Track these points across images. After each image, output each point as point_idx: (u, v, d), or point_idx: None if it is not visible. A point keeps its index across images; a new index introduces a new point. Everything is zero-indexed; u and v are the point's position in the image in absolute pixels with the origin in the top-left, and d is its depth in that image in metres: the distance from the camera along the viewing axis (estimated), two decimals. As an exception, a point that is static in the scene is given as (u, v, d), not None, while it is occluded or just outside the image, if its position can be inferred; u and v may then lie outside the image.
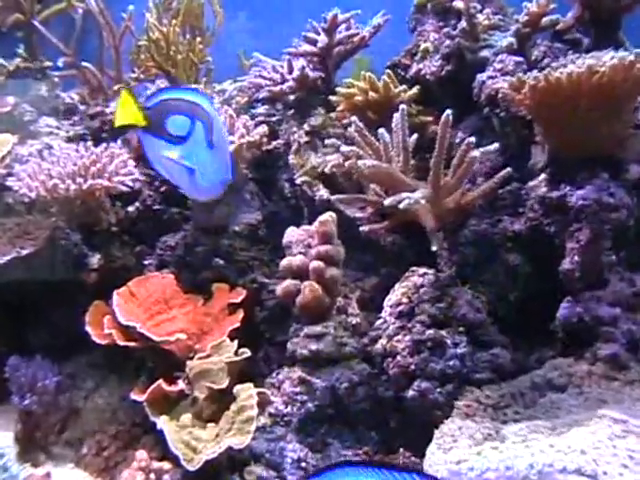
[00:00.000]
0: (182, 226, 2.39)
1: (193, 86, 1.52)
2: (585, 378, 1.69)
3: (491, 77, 1.94)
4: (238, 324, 2.10)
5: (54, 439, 2.17)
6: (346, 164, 1.75)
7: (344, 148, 1.75)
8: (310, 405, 1.90)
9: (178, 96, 1.59)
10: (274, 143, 2.32)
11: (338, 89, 2.20)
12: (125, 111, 1.59)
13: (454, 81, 2.08)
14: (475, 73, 2.03)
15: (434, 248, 1.76)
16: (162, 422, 1.86)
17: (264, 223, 2.30)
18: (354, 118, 1.80)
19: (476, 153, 1.65)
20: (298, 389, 1.92)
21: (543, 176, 1.79)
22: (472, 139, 1.69)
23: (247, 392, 1.85)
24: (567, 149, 1.69)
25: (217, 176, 1.55)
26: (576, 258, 1.70)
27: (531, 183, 1.82)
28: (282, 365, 2.14)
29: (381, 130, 1.73)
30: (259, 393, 1.85)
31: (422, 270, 1.98)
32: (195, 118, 1.54)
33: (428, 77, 2.16)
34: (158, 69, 2.56)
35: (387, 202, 1.67)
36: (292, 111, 2.36)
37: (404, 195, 1.64)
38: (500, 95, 1.85)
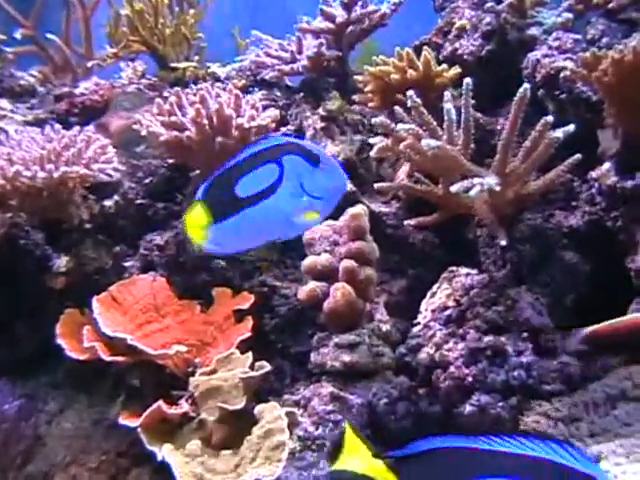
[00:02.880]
0: (171, 223, 2.16)
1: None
2: (665, 388, 1.58)
3: (547, 55, 1.82)
4: (249, 334, 1.89)
5: (15, 474, 1.89)
6: (401, 145, 1.59)
7: (401, 126, 1.58)
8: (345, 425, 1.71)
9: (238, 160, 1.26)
10: (283, 129, 2.13)
11: (366, 67, 2.03)
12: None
13: (495, 62, 1.95)
14: (519, 53, 1.91)
15: (503, 242, 1.61)
16: (167, 452, 1.61)
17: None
18: (410, 92, 1.64)
19: (558, 134, 1.51)
20: (330, 407, 1.74)
21: (608, 165, 1.68)
22: (550, 118, 1.55)
23: (274, 413, 1.64)
24: (646, 133, 1.58)
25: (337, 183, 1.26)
26: (652, 254, 1.58)
27: (594, 173, 1.70)
28: (297, 380, 1.97)
29: (448, 105, 1.57)
30: (287, 413, 1.65)
31: (465, 270, 1.84)
32: (280, 158, 1.24)
33: (466, 57, 2.03)
34: (142, 45, 2.33)
35: (454, 188, 1.51)
36: (302, 94, 2.18)
37: (476, 180, 1.48)
38: (563, 74, 1.73)
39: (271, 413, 1.64)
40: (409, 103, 1.63)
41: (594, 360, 1.72)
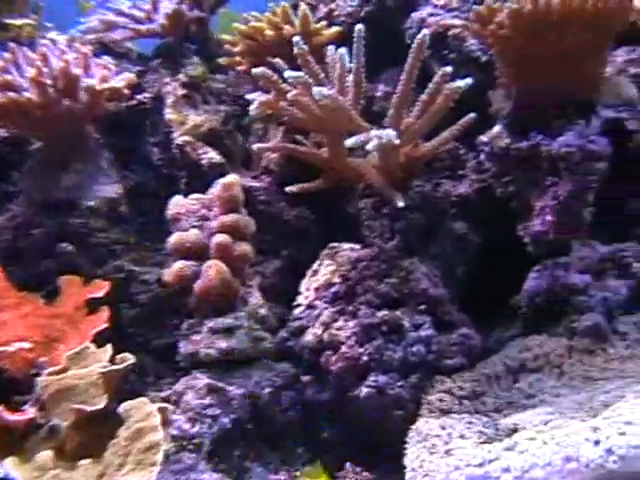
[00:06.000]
0: (5, 205, 1.86)
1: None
2: (564, 356, 1.52)
3: (433, 14, 1.73)
4: (105, 325, 1.65)
5: None
6: (289, 95, 1.41)
7: (290, 74, 1.40)
8: (225, 420, 1.51)
9: None
10: (139, 97, 1.89)
11: (236, 25, 1.84)
12: None
13: (374, 24, 1.83)
14: (399, 15, 1.81)
15: (401, 204, 1.47)
16: (10, 466, 1.34)
17: (126, 197, 1.85)
18: (297, 38, 1.47)
19: (460, 83, 1.41)
20: (207, 400, 1.52)
21: (499, 127, 1.60)
22: (449, 68, 1.44)
23: (144, 409, 1.41)
24: (540, 91, 1.51)
25: None
26: (549, 217, 1.52)
27: (484, 137, 1.62)
28: (161, 377, 1.74)
29: (342, 50, 1.42)
30: (159, 409, 1.42)
31: (347, 245, 1.70)
32: None
33: (343, 19, 1.90)
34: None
35: (350, 142, 1.36)
36: (158, 60, 1.96)
37: (374, 133, 1.34)
38: (453, 32, 1.64)
39: (140, 410, 1.41)
40: (295, 50, 1.46)
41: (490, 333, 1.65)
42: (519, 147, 1.54)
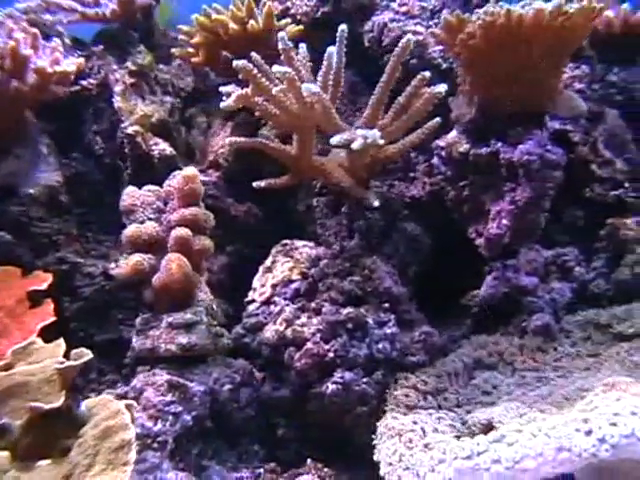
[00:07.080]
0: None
1: None
2: (517, 354, 1.58)
3: (395, 20, 1.74)
4: (53, 318, 1.56)
5: None
6: (275, 90, 1.38)
7: (277, 68, 1.37)
8: (187, 417, 1.46)
9: None
10: (83, 83, 1.78)
11: (195, 16, 1.77)
12: None
13: (330, 25, 1.82)
14: (356, 18, 1.82)
15: (376, 203, 1.48)
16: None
17: (66, 186, 1.74)
18: (282, 34, 1.44)
19: (440, 88, 1.43)
20: (169, 397, 1.46)
21: (455, 133, 1.64)
22: (427, 73, 1.47)
23: (110, 407, 1.34)
24: (502, 100, 1.57)
25: None
26: (505, 222, 1.58)
27: (440, 142, 1.66)
28: (104, 374, 1.66)
29: (331, 48, 1.40)
30: (126, 407, 1.36)
31: (301, 242, 1.69)
32: None
33: (299, 17, 1.87)
34: None
35: (335, 140, 1.35)
36: (101, 46, 1.85)
37: (360, 132, 1.34)
38: (416, 38, 1.66)
39: (107, 408, 1.33)
40: (280, 46, 1.44)
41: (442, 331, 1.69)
42: (479, 153, 1.59)
